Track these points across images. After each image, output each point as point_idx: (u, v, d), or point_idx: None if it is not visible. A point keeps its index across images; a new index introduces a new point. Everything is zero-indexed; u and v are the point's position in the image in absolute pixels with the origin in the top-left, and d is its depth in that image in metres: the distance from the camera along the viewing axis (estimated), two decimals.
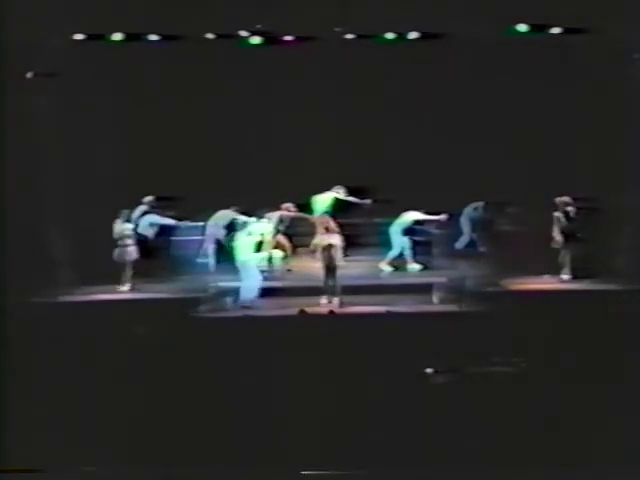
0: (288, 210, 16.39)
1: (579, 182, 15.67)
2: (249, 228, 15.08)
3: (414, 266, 16.19)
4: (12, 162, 14.65)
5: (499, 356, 11.00)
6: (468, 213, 17.55)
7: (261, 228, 15.36)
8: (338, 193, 16.81)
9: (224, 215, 16.54)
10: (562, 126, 16.46)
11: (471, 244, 17.53)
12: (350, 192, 16.81)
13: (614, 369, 10.51)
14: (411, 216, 16.35)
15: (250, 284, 14.60)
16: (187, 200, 16.70)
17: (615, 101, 15.42)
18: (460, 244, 17.50)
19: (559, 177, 15.89)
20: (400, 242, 16.25)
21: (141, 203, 16.40)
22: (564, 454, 9.20)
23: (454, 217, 17.10)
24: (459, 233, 17.47)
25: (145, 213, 16.40)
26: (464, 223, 17.52)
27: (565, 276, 15.23)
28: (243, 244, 14.78)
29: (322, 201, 16.80)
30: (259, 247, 15.07)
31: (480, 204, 17.46)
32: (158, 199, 16.66)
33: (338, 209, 16.67)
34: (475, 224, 17.49)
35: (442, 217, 16.41)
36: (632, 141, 15.41)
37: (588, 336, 11.24)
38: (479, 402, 10.01)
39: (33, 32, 14.78)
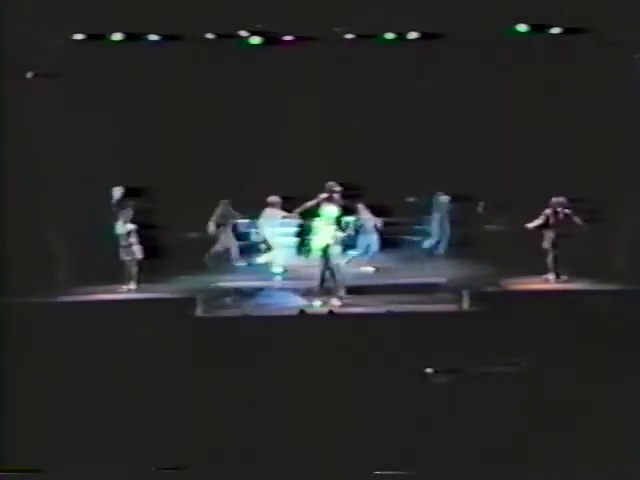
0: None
1: (579, 182, 15.67)
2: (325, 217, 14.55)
3: (367, 268, 15.92)
4: (12, 162, 14.65)
5: (499, 356, 11.01)
6: (437, 207, 16.97)
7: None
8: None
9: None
10: (562, 126, 16.47)
11: (440, 244, 17.10)
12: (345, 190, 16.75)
13: (614, 369, 10.52)
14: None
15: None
16: (186, 198, 16.73)
17: (615, 101, 15.42)
18: (428, 244, 17.15)
19: (558, 177, 15.88)
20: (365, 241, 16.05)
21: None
22: (564, 454, 9.20)
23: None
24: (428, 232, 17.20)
25: None
26: (434, 219, 17.02)
27: (550, 276, 15.15)
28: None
29: None
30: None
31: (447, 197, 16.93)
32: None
33: None
34: (444, 221, 16.99)
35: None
36: (632, 141, 15.40)
37: (588, 336, 11.26)
38: (479, 402, 10.02)
39: (33, 32, 14.77)
